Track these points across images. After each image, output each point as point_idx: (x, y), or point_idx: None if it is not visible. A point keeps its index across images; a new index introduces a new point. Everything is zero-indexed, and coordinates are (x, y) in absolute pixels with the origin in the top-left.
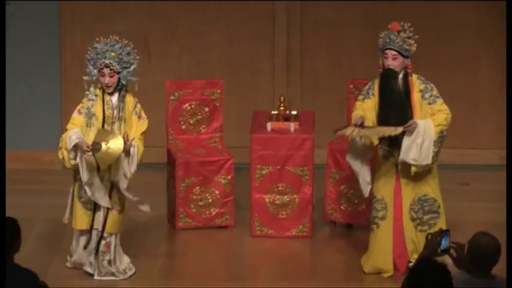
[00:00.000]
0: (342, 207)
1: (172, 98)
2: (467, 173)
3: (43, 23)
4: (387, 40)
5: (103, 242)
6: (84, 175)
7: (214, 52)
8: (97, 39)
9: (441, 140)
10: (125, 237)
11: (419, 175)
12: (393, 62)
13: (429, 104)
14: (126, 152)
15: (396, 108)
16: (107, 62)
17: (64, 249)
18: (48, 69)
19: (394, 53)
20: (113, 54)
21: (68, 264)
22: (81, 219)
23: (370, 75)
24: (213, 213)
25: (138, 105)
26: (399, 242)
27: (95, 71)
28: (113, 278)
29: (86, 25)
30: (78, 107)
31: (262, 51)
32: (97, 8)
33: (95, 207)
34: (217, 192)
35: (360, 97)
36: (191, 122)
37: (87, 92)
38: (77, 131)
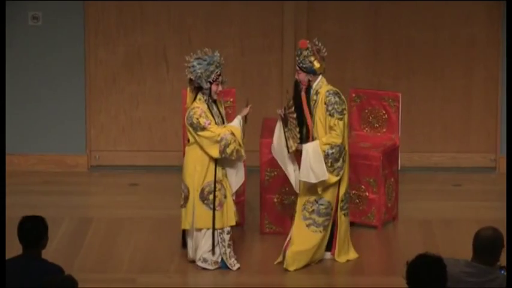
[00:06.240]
0: None
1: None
2: (460, 175)
3: (69, 36)
4: (296, 57)
5: (229, 235)
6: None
7: (228, 63)
8: (192, 55)
9: (330, 157)
10: (144, 235)
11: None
12: (296, 76)
13: (329, 115)
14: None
15: (299, 119)
16: (220, 71)
17: (88, 245)
18: (74, 78)
19: (297, 68)
20: (219, 63)
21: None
22: (229, 216)
23: (371, 85)
24: None
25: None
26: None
27: (208, 85)
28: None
29: (109, 37)
30: (203, 120)
31: (272, 63)
32: (119, 22)
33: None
34: None
35: None
36: None
37: (200, 107)
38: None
